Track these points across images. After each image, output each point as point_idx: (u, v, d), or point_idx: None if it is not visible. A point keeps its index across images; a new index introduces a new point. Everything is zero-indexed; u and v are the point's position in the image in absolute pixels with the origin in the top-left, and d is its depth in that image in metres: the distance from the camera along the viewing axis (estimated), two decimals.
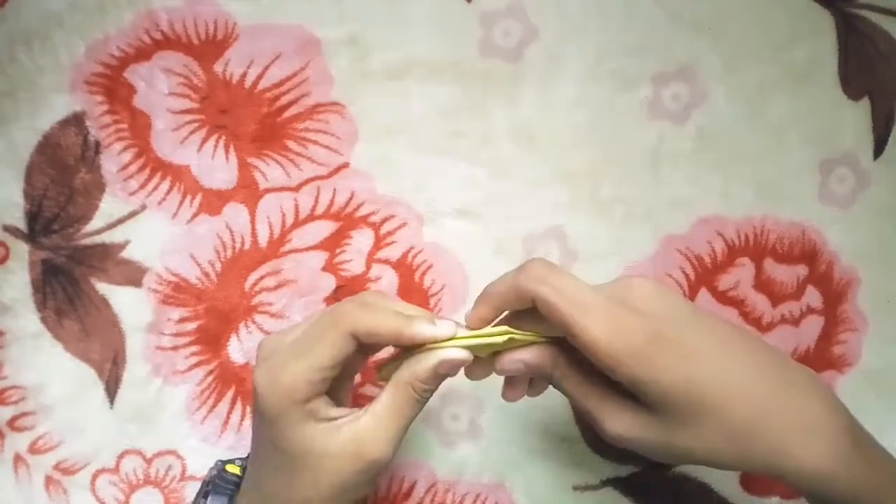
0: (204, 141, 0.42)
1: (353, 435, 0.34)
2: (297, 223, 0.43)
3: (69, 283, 0.43)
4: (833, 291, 0.47)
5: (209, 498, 0.38)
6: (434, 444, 0.45)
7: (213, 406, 0.44)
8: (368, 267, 0.44)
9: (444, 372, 0.34)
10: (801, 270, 0.46)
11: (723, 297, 0.46)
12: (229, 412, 0.44)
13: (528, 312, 0.35)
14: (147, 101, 0.42)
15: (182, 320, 0.43)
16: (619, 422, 0.34)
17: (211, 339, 0.44)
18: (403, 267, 0.44)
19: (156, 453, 0.44)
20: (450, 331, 0.34)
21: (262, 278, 0.43)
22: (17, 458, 0.43)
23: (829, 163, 0.46)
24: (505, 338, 0.34)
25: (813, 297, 0.46)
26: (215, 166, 0.43)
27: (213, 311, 0.43)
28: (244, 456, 0.42)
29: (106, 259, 0.43)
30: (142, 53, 0.41)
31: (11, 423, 0.43)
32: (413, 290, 0.44)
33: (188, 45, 0.41)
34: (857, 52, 0.45)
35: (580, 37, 0.43)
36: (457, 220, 0.44)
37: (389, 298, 0.37)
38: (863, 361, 0.47)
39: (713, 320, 0.35)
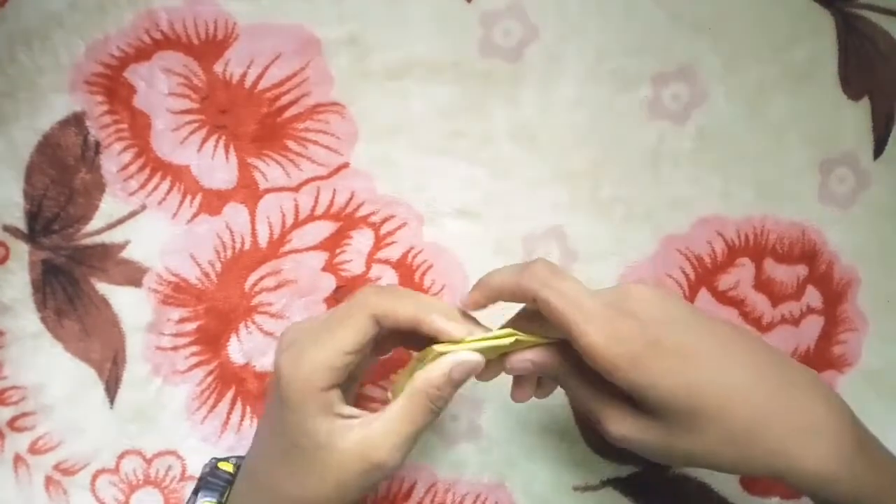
0: (204, 141, 0.42)
1: (364, 436, 0.34)
2: (297, 223, 0.43)
3: (69, 283, 0.43)
4: (833, 291, 0.47)
5: (199, 494, 0.38)
6: (434, 444, 0.45)
7: (213, 406, 0.44)
8: (368, 267, 0.44)
9: (457, 377, 0.34)
10: (801, 270, 0.46)
11: (723, 297, 0.46)
12: (229, 412, 0.44)
13: (533, 314, 0.35)
14: (147, 101, 0.42)
15: (182, 320, 0.43)
16: (621, 424, 0.35)
17: (211, 339, 0.44)
18: (403, 267, 0.44)
19: (156, 453, 0.44)
20: (463, 331, 0.35)
21: (262, 278, 0.43)
22: (17, 459, 0.43)
23: (829, 163, 0.46)
24: (511, 339, 0.35)
25: (813, 297, 0.46)
26: (215, 166, 0.43)
27: (213, 312, 0.43)
28: (240, 455, 0.42)
29: (106, 259, 0.43)
30: (142, 53, 0.41)
31: (11, 423, 0.43)
32: (413, 290, 0.44)
33: (188, 45, 0.41)
34: (857, 52, 0.45)
35: (580, 37, 0.43)
36: (457, 220, 0.44)
37: (405, 290, 0.37)
38: (863, 361, 0.47)
39: (713, 324, 0.35)
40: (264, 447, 0.36)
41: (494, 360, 0.36)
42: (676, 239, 0.45)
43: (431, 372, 0.34)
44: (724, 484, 0.47)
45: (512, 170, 0.44)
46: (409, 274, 0.44)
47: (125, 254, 0.43)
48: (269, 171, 0.43)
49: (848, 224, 0.46)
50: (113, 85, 0.41)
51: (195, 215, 0.43)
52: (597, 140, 0.44)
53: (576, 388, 0.36)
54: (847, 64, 0.45)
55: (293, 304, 0.44)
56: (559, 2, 0.43)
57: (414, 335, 0.35)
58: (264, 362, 0.44)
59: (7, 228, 0.42)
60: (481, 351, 0.35)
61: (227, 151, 0.43)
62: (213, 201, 0.43)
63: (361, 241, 0.44)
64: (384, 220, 0.44)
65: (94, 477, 0.44)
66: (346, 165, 0.43)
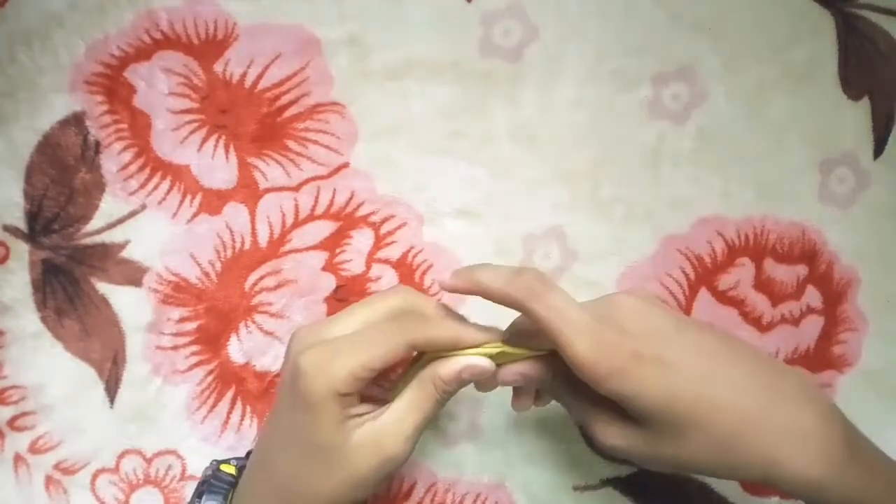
0: (204, 141, 0.42)
1: (374, 430, 0.35)
2: (297, 223, 0.43)
3: (69, 282, 0.43)
4: (833, 291, 0.47)
5: (203, 497, 0.38)
6: (434, 444, 0.45)
7: (213, 406, 0.44)
8: (368, 267, 0.44)
9: (466, 377, 0.35)
10: (801, 270, 0.46)
11: (723, 297, 0.46)
12: (229, 412, 0.44)
13: (526, 326, 0.36)
14: (147, 101, 0.42)
15: (182, 320, 0.43)
16: (609, 433, 0.36)
17: (211, 338, 0.44)
18: (403, 267, 0.44)
19: (156, 453, 0.44)
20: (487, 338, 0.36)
21: (262, 278, 0.43)
22: (17, 458, 0.43)
23: (829, 163, 0.46)
24: (497, 351, 0.36)
25: (813, 297, 0.46)
26: (215, 166, 0.43)
27: (213, 311, 0.43)
28: (240, 456, 0.42)
29: (106, 259, 0.43)
30: (142, 53, 0.41)
31: (11, 423, 0.43)
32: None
33: (188, 45, 0.42)
34: (857, 52, 0.45)
35: (580, 37, 0.43)
36: (457, 220, 0.44)
37: (438, 305, 0.38)
38: (863, 361, 0.47)
39: (698, 333, 0.35)
40: (275, 444, 0.37)
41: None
42: (676, 239, 0.45)
43: (443, 367, 0.35)
44: (724, 484, 0.47)
45: (512, 170, 0.44)
46: (409, 274, 0.44)
47: (125, 253, 0.43)
48: (269, 171, 0.43)
49: (848, 224, 0.46)
50: (113, 85, 0.41)
51: (195, 215, 0.43)
52: (597, 140, 0.44)
53: (566, 398, 0.37)
54: (847, 64, 0.45)
55: (293, 303, 0.44)
56: (559, 2, 0.43)
57: None
58: (264, 362, 0.44)
59: (7, 228, 0.42)
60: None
61: (227, 151, 0.43)
62: (213, 201, 0.43)
63: (361, 240, 0.44)
64: (384, 220, 0.44)
65: (94, 476, 0.44)
66: (346, 165, 0.43)
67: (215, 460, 0.41)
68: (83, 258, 0.43)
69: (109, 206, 0.42)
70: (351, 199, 0.43)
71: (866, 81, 0.45)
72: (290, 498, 0.35)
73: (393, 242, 0.44)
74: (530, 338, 0.36)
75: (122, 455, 0.44)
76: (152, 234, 0.43)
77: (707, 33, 0.44)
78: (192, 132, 0.42)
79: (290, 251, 0.43)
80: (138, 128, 0.42)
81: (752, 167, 0.45)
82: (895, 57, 0.45)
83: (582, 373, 0.33)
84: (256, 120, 0.42)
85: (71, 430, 0.43)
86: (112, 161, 0.42)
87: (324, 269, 0.44)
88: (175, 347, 0.43)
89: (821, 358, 0.47)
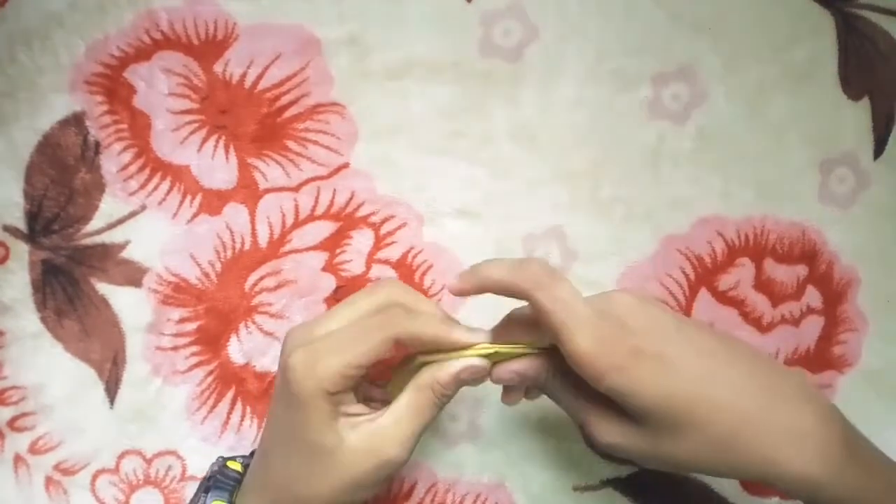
0: (204, 141, 0.42)
1: (371, 433, 0.35)
2: (297, 223, 0.43)
3: (69, 283, 0.43)
4: (833, 291, 0.47)
5: (210, 493, 0.38)
6: (434, 444, 0.45)
7: (213, 406, 0.44)
8: (368, 267, 0.44)
9: (465, 378, 0.35)
10: (801, 270, 0.46)
11: (723, 297, 0.46)
12: (229, 412, 0.44)
13: (521, 319, 0.37)
14: (147, 101, 0.42)
15: (182, 320, 0.43)
16: (607, 431, 0.35)
17: (211, 339, 0.44)
18: (403, 267, 0.44)
19: (156, 453, 0.44)
20: (481, 339, 0.36)
21: (262, 278, 0.43)
22: (17, 459, 0.43)
23: (829, 163, 0.46)
24: (490, 351, 0.36)
25: (813, 297, 0.46)
26: (215, 166, 0.43)
27: (213, 312, 0.43)
28: (245, 454, 0.42)
29: (106, 259, 0.43)
30: (142, 53, 0.41)
31: (11, 424, 0.43)
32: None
33: (188, 45, 0.41)
34: (857, 52, 0.45)
35: (580, 37, 0.43)
36: (457, 220, 0.44)
37: (424, 300, 0.37)
38: (863, 361, 0.47)
39: (697, 332, 0.35)
40: (272, 444, 0.37)
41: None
42: (676, 239, 0.45)
43: (440, 370, 0.35)
44: (724, 484, 0.47)
45: (512, 170, 0.44)
46: (409, 274, 0.44)
47: (125, 254, 0.43)
48: (269, 171, 0.43)
49: (848, 224, 0.46)
50: (113, 85, 0.41)
51: (195, 215, 0.43)
52: (597, 140, 0.44)
53: (562, 396, 0.37)
54: (847, 64, 0.45)
55: (293, 304, 0.44)
56: (559, 2, 0.43)
57: None
58: (264, 362, 0.44)
59: (7, 228, 0.42)
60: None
61: (227, 151, 0.43)
62: (213, 201, 0.43)
63: (361, 241, 0.44)
64: (384, 220, 0.44)
65: (94, 477, 0.44)
66: (346, 165, 0.43)
67: (221, 457, 0.41)
68: (83, 258, 0.43)
69: (109, 207, 0.42)
70: (351, 199, 0.43)
71: (866, 81, 0.45)
72: (289, 498, 0.35)
73: (393, 243, 0.44)
74: (521, 335, 0.36)
75: (122, 455, 0.44)
76: (152, 234, 0.43)
77: (707, 33, 0.44)
78: (192, 132, 0.42)
79: (290, 251, 0.43)
80: (138, 128, 0.42)
81: (752, 167, 0.45)
82: (895, 57, 0.45)
83: (581, 368, 0.33)
84: (256, 120, 0.42)
85: (71, 431, 0.43)
86: (112, 161, 0.42)
87: (324, 269, 0.44)
88: (175, 348, 0.43)
89: (821, 358, 0.47)
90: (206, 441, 0.44)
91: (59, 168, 0.42)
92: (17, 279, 0.42)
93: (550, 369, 0.36)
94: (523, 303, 0.35)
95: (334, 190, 0.43)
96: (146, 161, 0.42)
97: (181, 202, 0.43)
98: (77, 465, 0.44)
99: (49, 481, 0.43)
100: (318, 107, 0.43)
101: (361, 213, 0.44)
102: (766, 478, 0.33)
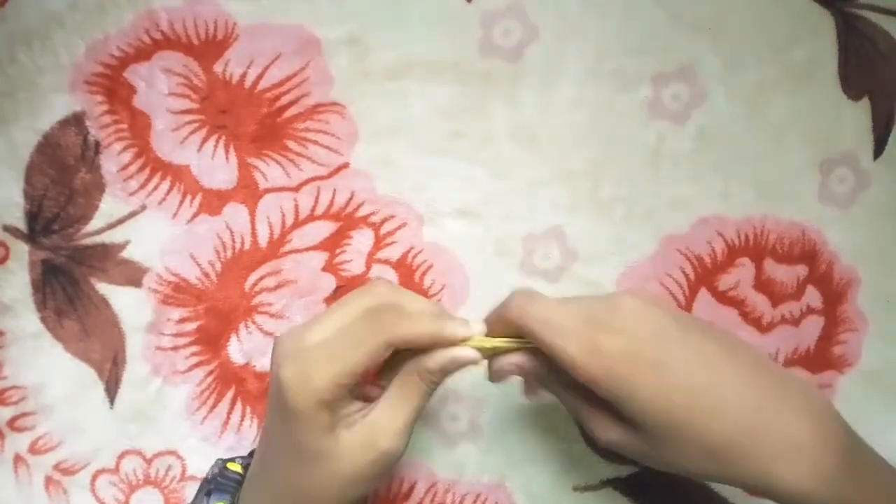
0: (204, 141, 0.42)
1: (367, 427, 0.35)
2: (297, 223, 0.43)
3: (69, 283, 0.43)
4: (833, 291, 0.47)
5: (212, 496, 0.38)
6: (434, 445, 0.45)
7: (213, 406, 0.44)
8: (368, 267, 0.44)
9: (451, 368, 0.35)
10: (801, 270, 0.46)
11: (723, 298, 0.46)
12: (229, 412, 0.44)
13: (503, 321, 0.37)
14: (147, 101, 0.42)
15: (182, 320, 0.43)
16: (605, 429, 0.36)
17: (211, 339, 0.44)
18: (403, 267, 0.44)
19: (156, 453, 0.44)
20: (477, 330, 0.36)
21: (262, 278, 0.43)
22: (17, 459, 0.43)
23: (829, 163, 0.46)
24: (483, 346, 0.35)
25: (813, 297, 0.46)
26: (215, 166, 0.43)
27: (213, 312, 0.43)
28: (245, 454, 0.42)
29: (106, 259, 0.43)
30: (142, 53, 0.41)
31: (11, 424, 0.43)
32: (413, 290, 0.44)
33: (188, 45, 0.41)
34: (857, 52, 0.45)
35: (580, 37, 0.43)
36: (457, 220, 0.44)
37: (414, 298, 0.37)
38: (863, 361, 0.47)
39: (700, 337, 0.35)
40: (271, 450, 0.37)
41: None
42: (676, 239, 0.45)
43: (429, 360, 0.35)
44: (724, 485, 0.47)
45: (512, 170, 0.44)
46: (409, 274, 0.44)
47: (125, 254, 0.43)
48: (269, 171, 0.43)
49: (848, 224, 0.46)
50: (113, 85, 0.41)
51: (195, 215, 0.43)
52: (597, 140, 0.44)
53: (562, 393, 0.37)
54: (847, 64, 0.45)
55: (293, 304, 0.44)
56: (559, 2, 0.43)
57: None
58: (264, 362, 0.44)
59: (7, 228, 0.42)
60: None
61: (227, 151, 0.43)
62: (213, 201, 0.43)
63: (361, 241, 0.44)
64: (384, 220, 0.44)
65: (94, 477, 0.44)
66: (346, 165, 0.43)
67: (220, 459, 0.41)
68: (83, 258, 0.43)
69: (109, 207, 0.42)
70: (351, 199, 0.43)
71: (866, 81, 0.45)
72: (290, 498, 0.35)
73: (393, 243, 0.44)
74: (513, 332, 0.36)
75: (122, 455, 0.44)
76: (152, 234, 0.43)
77: (707, 33, 0.44)
78: (192, 132, 0.42)
79: (290, 251, 0.43)
80: (138, 128, 0.42)
81: (752, 167, 0.45)
82: (895, 57, 0.45)
83: (576, 375, 0.34)
84: (256, 120, 0.42)
85: (71, 431, 0.43)
86: (112, 161, 0.42)
87: (324, 269, 0.44)
88: (175, 348, 0.43)
89: (821, 358, 0.47)
90: (206, 441, 0.44)
91: (59, 168, 0.42)
92: (17, 279, 0.42)
93: (547, 365, 0.36)
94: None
95: (334, 190, 0.43)
96: (146, 161, 0.42)
97: (181, 202, 0.43)
98: (77, 465, 0.44)
99: (49, 481, 0.43)
100: (318, 107, 0.43)
101: (361, 213, 0.44)
102: (760, 488, 0.33)
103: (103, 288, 0.43)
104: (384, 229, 0.44)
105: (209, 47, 0.42)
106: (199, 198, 0.43)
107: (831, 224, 0.46)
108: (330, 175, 0.43)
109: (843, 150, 0.46)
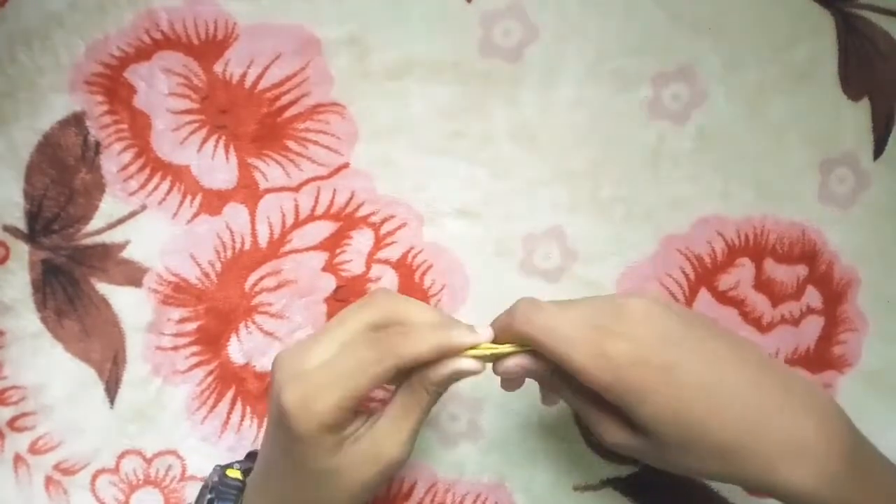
0: (204, 141, 0.42)
1: (373, 440, 0.35)
2: (297, 223, 0.43)
3: (69, 283, 0.43)
4: (833, 291, 0.47)
5: None
6: (434, 444, 0.45)
7: (213, 406, 0.44)
8: (368, 267, 0.44)
9: (457, 379, 0.35)
10: (801, 270, 0.46)
11: (723, 298, 0.46)
12: (229, 412, 0.44)
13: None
14: (147, 101, 0.42)
15: (182, 320, 0.43)
16: (612, 431, 0.35)
17: (211, 339, 0.44)
18: (403, 267, 0.44)
19: (156, 453, 0.44)
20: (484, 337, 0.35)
21: (262, 278, 0.43)
22: (17, 459, 0.43)
23: (829, 163, 0.46)
24: (488, 353, 0.35)
25: (813, 297, 0.46)
26: (215, 166, 0.43)
27: (213, 312, 0.43)
28: (242, 459, 0.42)
29: (106, 259, 0.43)
30: (142, 53, 0.41)
31: (11, 424, 0.43)
32: (413, 290, 0.44)
33: (188, 45, 0.41)
34: (857, 52, 0.45)
35: (580, 37, 0.43)
36: (457, 220, 0.44)
37: (417, 307, 0.36)
38: (863, 361, 0.47)
39: (706, 336, 0.34)
40: (273, 469, 0.36)
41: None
42: (676, 239, 0.45)
43: (433, 372, 0.35)
44: (726, 485, 0.47)
45: (512, 170, 0.44)
46: (409, 274, 0.44)
47: (125, 254, 0.43)
48: (269, 171, 0.43)
49: (848, 224, 0.46)
50: (113, 85, 0.41)
51: (195, 215, 0.43)
52: (597, 140, 0.44)
53: (568, 395, 0.37)
54: (847, 64, 0.45)
55: (293, 304, 0.44)
56: (559, 2, 0.43)
57: None
58: (264, 362, 0.44)
59: (7, 228, 0.42)
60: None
61: (227, 151, 0.43)
62: (213, 201, 0.43)
63: (361, 241, 0.44)
64: (384, 220, 0.44)
65: (94, 477, 0.44)
66: (346, 165, 0.43)
67: (218, 465, 0.41)
68: (83, 258, 0.43)
69: (109, 207, 0.42)
70: (351, 199, 0.43)
71: (866, 81, 0.45)
72: None
73: (393, 243, 0.44)
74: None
75: (122, 455, 0.44)
76: (152, 234, 0.43)
77: (707, 33, 0.44)
78: (192, 132, 0.42)
79: (290, 251, 0.43)
80: (138, 128, 0.42)
81: (752, 167, 0.45)
82: (895, 57, 0.45)
83: (585, 382, 0.33)
84: (256, 120, 0.42)
85: (71, 431, 0.43)
86: (112, 161, 0.42)
87: (324, 269, 0.44)
88: (175, 348, 0.43)
89: (821, 358, 0.47)
90: (206, 441, 0.44)
91: (59, 168, 0.42)
92: (17, 279, 0.42)
93: (551, 366, 0.36)
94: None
95: (334, 190, 0.43)
96: (146, 161, 0.42)
97: (181, 202, 0.43)
98: (77, 465, 0.44)
99: (49, 481, 0.43)
100: (318, 107, 0.43)
101: (361, 213, 0.44)
102: (767, 488, 0.33)
103: (103, 288, 0.43)
104: (384, 229, 0.44)
105: (209, 47, 0.42)
106: (199, 198, 0.43)
107: (831, 224, 0.46)
108: (330, 175, 0.43)
109: (843, 150, 0.46)
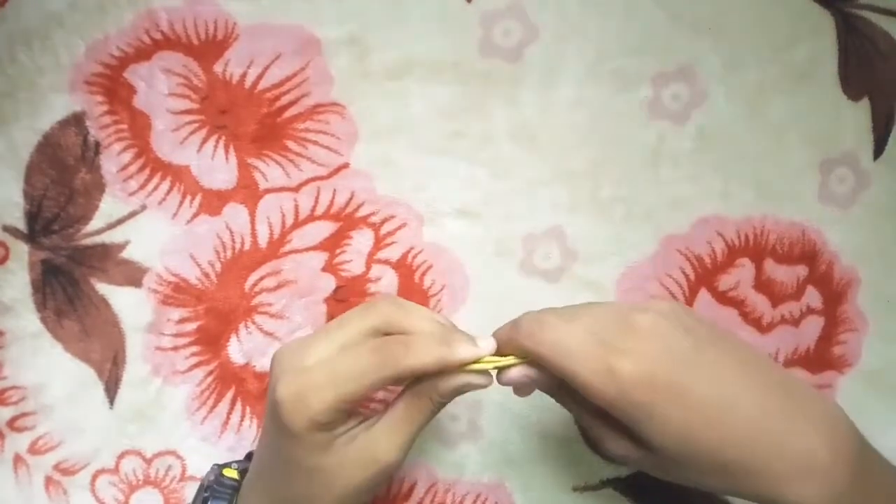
0: (204, 141, 0.42)
1: (368, 442, 0.34)
2: (297, 223, 0.43)
3: (69, 283, 0.43)
4: (833, 291, 0.47)
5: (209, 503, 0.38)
6: (434, 444, 0.45)
7: (213, 406, 0.44)
8: (368, 267, 0.44)
9: (464, 391, 0.35)
10: (801, 271, 0.46)
11: (723, 298, 0.46)
12: (229, 412, 0.44)
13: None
14: (147, 102, 0.42)
15: (182, 321, 0.43)
16: (616, 444, 0.35)
17: (211, 339, 0.44)
18: (403, 267, 0.44)
19: (156, 453, 0.44)
20: (487, 349, 0.35)
21: (262, 279, 0.43)
22: (17, 459, 0.43)
23: (829, 163, 0.46)
24: (491, 366, 0.35)
25: (813, 297, 0.46)
26: (215, 166, 0.43)
27: (213, 312, 0.43)
28: (240, 459, 0.42)
29: (106, 259, 0.43)
30: (142, 53, 0.41)
31: (11, 424, 0.43)
32: (413, 290, 0.44)
33: (188, 45, 0.41)
34: (857, 52, 0.45)
35: (580, 37, 0.43)
36: (457, 220, 0.44)
37: (419, 317, 0.36)
38: (863, 361, 0.47)
39: (715, 353, 0.34)
40: (267, 464, 0.37)
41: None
42: (676, 239, 0.45)
43: (442, 383, 0.34)
44: None
45: (512, 170, 0.44)
46: (409, 274, 0.44)
47: (125, 254, 0.43)
48: (269, 172, 0.43)
49: (848, 224, 0.46)
50: (113, 85, 0.41)
51: (195, 215, 0.43)
52: (597, 140, 0.44)
53: (573, 405, 0.37)
54: (847, 64, 0.45)
55: (293, 304, 0.44)
56: (559, 2, 0.43)
57: None
58: (264, 362, 0.44)
59: (7, 228, 0.42)
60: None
61: (227, 151, 0.43)
62: (213, 201, 0.43)
63: (361, 241, 0.44)
64: (384, 221, 0.44)
65: (94, 477, 0.44)
66: (346, 165, 0.43)
67: (216, 465, 0.41)
68: (83, 259, 0.43)
69: (109, 207, 0.42)
70: (351, 199, 0.43)
71: (866, 81, 0.45)
72: None
73: (393, 243, 0.44)
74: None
75: (121, 455, 0.44)
76: (152, 234, 0.43)
77: (707, 33, 0.44)
78: (191, 133, 0.42)
79: (290, 252, 0.43)
80: (138, 128, 0.42)
81: (752, 167, 0.45)
82: (895, 57, 0.45)
83: (591, 398, 0.33)
84: (256, 120, 0.42)
85: (71, 431, 0.43)
86: (112, 161, 0.42)
87: (324, 269, 0.44)
88: (175, 348, 0.43)
89: (821, 358, 0.47)
90: (205, 441, 0.44)
91: (59, 168, 0.42)
92: (17, 279, 0.42)
93: (556, 379, 0.36)
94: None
95: (334, 190, 0.43)
96: (146, 161, 0.42)
97: (181, 202, 0.43)
98: (77, 465, 0.44)
99: (49, 481, 0.43)
100: (318, 107, 0.43)
101: (361, 213, 0.44)
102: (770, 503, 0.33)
103: (103, 288, 0.43)
104: (384, 229, 0.44)
105: (209, 47, 0.42)
106: (198, 198, 0.43)
107: (831, 224, 0.46)
108: (330, 175, 0.43)
109: (843, 150, 0.46)
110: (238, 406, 0.44)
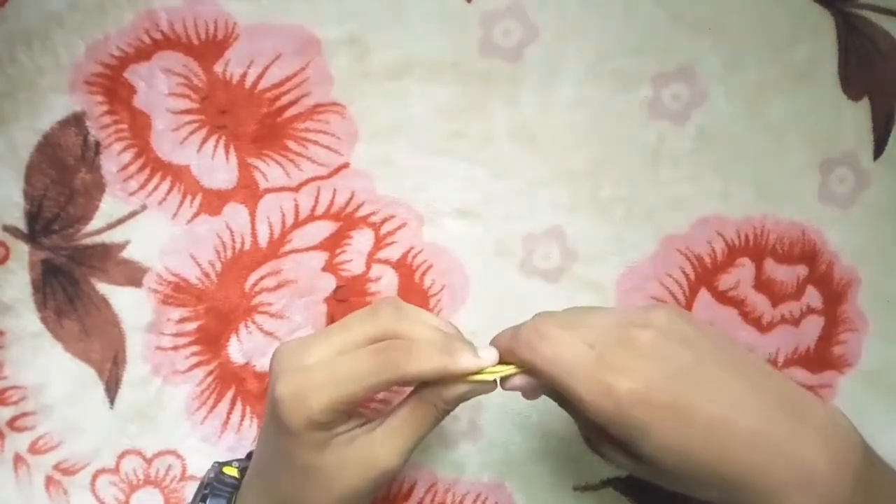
0: (204, 141, 0.42)
1: (368, 445, 0.34)
2: (297, 223, 0.43)
3: (69, 283, 0.43)
4: (833, 291, 0.47)
5: (207, 501, 0.38)
6: (434, 444, 0.45)
7: (213, 406, 0.44)
8: (368, 267, 0.44)
9: (469, 398, 0.35)
10: (801, 270, 0.46)
11: (723, 298, 0.46)
12: (229, 412, 0.44)
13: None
14: (147, 101, 0.42)
15: (182, 320, 0.43)
16: (615, 455, 0.35)
17: (211, 339, 0.44)
18: (403, 267, 0.44)
19: (156, 453, 0.44)
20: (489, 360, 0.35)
21: (262, 278, 0.43)
22: (17, 459, 0.43)
23: (829, 163, 0.46)
24: (492, 377, 0.35)
25: (813, 297, 0.46)
26: (215, 166, 0.43)
27: (213, 312, 0.43)
28: (241, 457, 0.42)
29: (106, 259, 0.43)
30: (142, 53, 0.41)
31: (11, 423, 0.43)
32: (413, 290, 0.44)
33: (188, 45, 0.41)
34: (857, 52, 0.45)
35: (580, 37, 0.43)
36: (457, 220, 0.44)
37: (422, 323, 0.36)
38: (863, 361, 0.47)
39: (716, 371, 0.33)
40: (267, 462, 0.36)
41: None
42: (676, 239, 0.45)
43: (447, 390, 0.34)
44: None
45: (512, 170, 0.44)
46: (409, 274, 0.44)
47: (125, 254, 0.43)
48: (269, 171, 0.43)
49: (848, 224, 0.46)
50: (113, 85, 0.41)
51: (195, 215, 0.43)
52: (597, 140, 0.44)
53: (574, 413, 0.37)
54: (847, 64, 0.45)
55: (293, 304, 0.44)
56: (559, 2, 0.43)
57: None
58: (264, 362, 0.44)
59: (7, 228, 0.42)
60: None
61: (227, 151, 0.43)
62: (213, 201, 0.43)
63: (361, 241, 0.44)
64: (384, 220, 0.44)
65: (94, 477, 0.44)
66: (346, 165, 0.43)
67: (217, 462, 0.41)
68: (83, 258, 0.43)
69: (109, 207, 0.42)
70: (351, 199, 0.43)
71: (866, 81, 0.45)
72: None
73: (393, 243, 0.44)
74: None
75: (122, 455, 0.44)
76: (152, 234, 0.43)
77: (707, 33, 0.44)
78: (192, 132, 0.42)
79: (290, 251, 0.43)
80: (138, 128, 0.42)
81: (752, 167, 0.45)
82: (895, 57, 0.45)
83: (588, 416, 0.33)
84: (256, 120, 0.42)
85: (71, 431, 0.43)
86: (112, 161, 0.42)
87: (324, 269, 0.44)
88: (175, 348, 0.43)
89: (821, 358, 0.47)
90: (205, 441, 0.44)
91: (59, 168, 0.42)
92: (17, 279, 0.42)
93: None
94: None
95: (334, 190, 0.43)
96: (146, 161, 0.42)
97: (181, 202, 0.43)
98: (77, 465, 0.44)
99: (49, 481, 0.43)
100: (318, 107, 0.43)
101: (361, 213, 0.44)
102: None
103: (103, 288, 0.43)
104: (384, 229, 0.44)
105: (209, 47, 0.42)
106: (199, 198, 0.43)
107: (831, 224, 0.46)
108: (330, 175, 0.43)
109: (843, 150, 0.46)
110: (238, 406, 0.44)
